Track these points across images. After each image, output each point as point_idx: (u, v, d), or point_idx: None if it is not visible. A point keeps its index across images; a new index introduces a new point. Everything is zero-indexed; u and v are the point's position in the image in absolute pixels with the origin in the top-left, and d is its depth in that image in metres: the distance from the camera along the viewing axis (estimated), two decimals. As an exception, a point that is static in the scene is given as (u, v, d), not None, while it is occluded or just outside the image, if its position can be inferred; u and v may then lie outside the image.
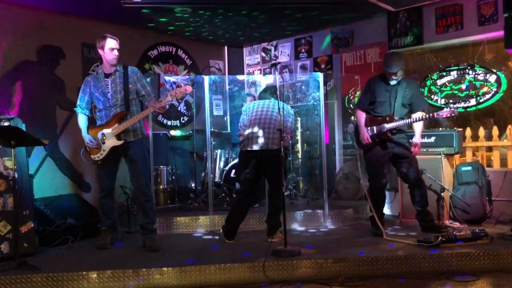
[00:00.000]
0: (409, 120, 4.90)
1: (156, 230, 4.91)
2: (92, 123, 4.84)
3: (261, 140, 4.89)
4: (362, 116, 5.06)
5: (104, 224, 4.86)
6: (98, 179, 4.88)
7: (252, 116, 5.06)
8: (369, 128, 4.99)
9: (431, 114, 4.80)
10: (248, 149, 4.93)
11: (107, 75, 4.67)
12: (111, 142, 4.58)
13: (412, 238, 4.60)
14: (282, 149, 4.50)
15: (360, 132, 5.04)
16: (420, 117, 4.88)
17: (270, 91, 5.26)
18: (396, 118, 4.90)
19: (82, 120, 4.76)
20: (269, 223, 4.97)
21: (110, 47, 4.59)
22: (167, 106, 4.68)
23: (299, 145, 7.31)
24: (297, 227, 5.60)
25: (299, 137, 7.28)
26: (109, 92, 4.63)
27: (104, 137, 4.59)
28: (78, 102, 4.78)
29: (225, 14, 6.72)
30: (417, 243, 4.40)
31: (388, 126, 4.88)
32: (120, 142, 4.58)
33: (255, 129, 4.95)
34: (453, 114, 4.69)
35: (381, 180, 5.04)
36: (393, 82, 4.91)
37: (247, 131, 5.01)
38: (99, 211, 4.93)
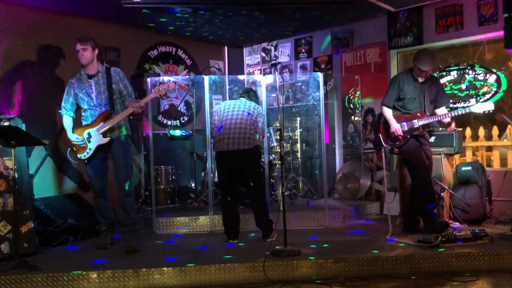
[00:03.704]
0: (440, 116, 4.93)
1: (136, 231, 4.90)
2: (77, 123, 4.90)
3: (231, 141, 4.88)
4: (389, 111, 5.04)
5: (103, 224, 4.87)
6: (89, 179, 4.93)
7: (223, 117, 5.04)
8: (399, 124, 4.95)
9: (465, 109, 4.81)
10: (220, 150, 4.94)
11: (90, 76, 4.77)
12: (96, 140, 4.66)
13: (412, 238, 4.60)
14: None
15: (390, 125, 4.96)
16: (454, 114, 4.86)
17: (249, 95, 5.25)
18: (427, 114, 4.93)
19: (67, 122, 4.86)
20: (261, 224, 4.96)
21: (76, 50, 4.70)
22: (148, 105, 4.72)
23: (298, 145, 7.30)
24: (297, 227, 5.59)
25: (298, 137, 7.27)
26: (93, 92, 4.73)
27: (90, 136, 4.67)
28: (62, 104, 4.87)
29: (225, 14, 6.71)
30: (417, 243, 4.40)
31: (420, 122, 4.90)
32: (106, 140, 4.66)
33: (226, 129, 4.94)
34: (489, 109, 4.69)
35: (427, 168, 4.89)
36: (421, 80, 4.96)
37: (218, 132, 4.99)
38: (95, 212, 4.94)
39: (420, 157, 4.89)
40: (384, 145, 5.12)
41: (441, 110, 5.08)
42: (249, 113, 5.01)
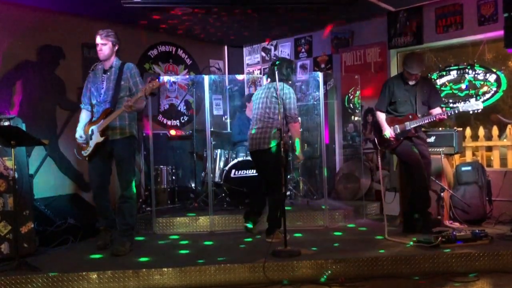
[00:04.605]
0: (432, 117, 4.94)
1: (132, 236, 4.74)
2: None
3: (253, 141, 4.91)
4: (382, 115, 5.14)
5: (101, 224, 4.85)
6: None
7: (253, 110, 5.07)
8: (392, 127, 5.04)
9: (454, 111, 4.87)
10: (248, 150, 5.04)
11: (105, 71, 4.68)
12: (95, 138, 4.57)
13: (413, 238, 4.60)
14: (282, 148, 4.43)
15: (382, 129, 5.07)
16: (444, 115, 4.89)
17: (274, 73, 4.67)
18: (419, 115, 4.98)
19: (82, 115, 4.79)
20: (268, 222, 4.98)
21: (96, 43, 4.61)
22: (140, 105, 4.54)
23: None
24: (297, 227, 5.59)
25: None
26: (103, 88, 4.62)
27: (92, 134, 4.60)
28: (82, 98, 4.83)
29: (225, 14, 6.71)
30: (417, 243, 4.40)
31: (412, 124, 4.96)
32: (101, 139, 4.52)
33: (252, 126, 4.97)
34: (477, 108, 4.71)
35: (423, 166, 4.93)
36: (412, 83, 5.02)
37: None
38: (96, 210, 4.92)
39: (414, 157, 4.97)
40: (379, 147, 5.22)
41: (436, 111, 5.08)
42: (269, 104, 4.83)
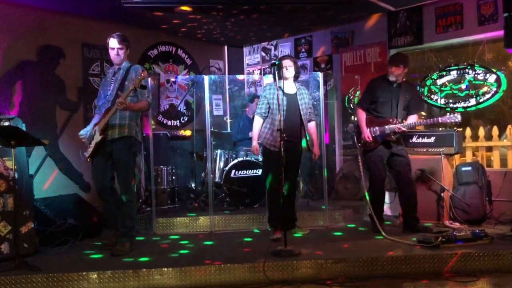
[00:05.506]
0: (412, 124, 4.97)
1: (132, 237, 4.68)
2: None
3: None
4: (363, 115, 5.15)
5: (107, 223, 4.86)
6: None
7: None
8: (372, 129, 5.04)
9: (433, 119, 4.92)
10: None
11: (115, 73, 4.70)
12: (95, 138, 4.54)
13: (412, 238, 4.60)
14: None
15: (361, 131, 5.10)
16: (423, 122, 4.98)
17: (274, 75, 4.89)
18: (399, 120, 4.98)
19: (94, 119, 4.80)
20: None
21: (110, 47, 4.61)
22: (141, 104, 4.54)
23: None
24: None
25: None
26: (109, 90, 4.63)
27: (94, 134, 4.58)
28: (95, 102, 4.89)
29: (225, 13, 6.71)
30: (417, 243, 4.40)
31: (391, 128, 4.95)
32: (99, 138, 4.47)
33: None
34: (456, 120, 4.74)
35: (383, 180, 5.12)
36: (392, 79, 5.00)
37: None
38: None
39: (379, 168, 5.08)
40: (357, 145, 5.26)
41: (412, 118, 5.08)
42: None
